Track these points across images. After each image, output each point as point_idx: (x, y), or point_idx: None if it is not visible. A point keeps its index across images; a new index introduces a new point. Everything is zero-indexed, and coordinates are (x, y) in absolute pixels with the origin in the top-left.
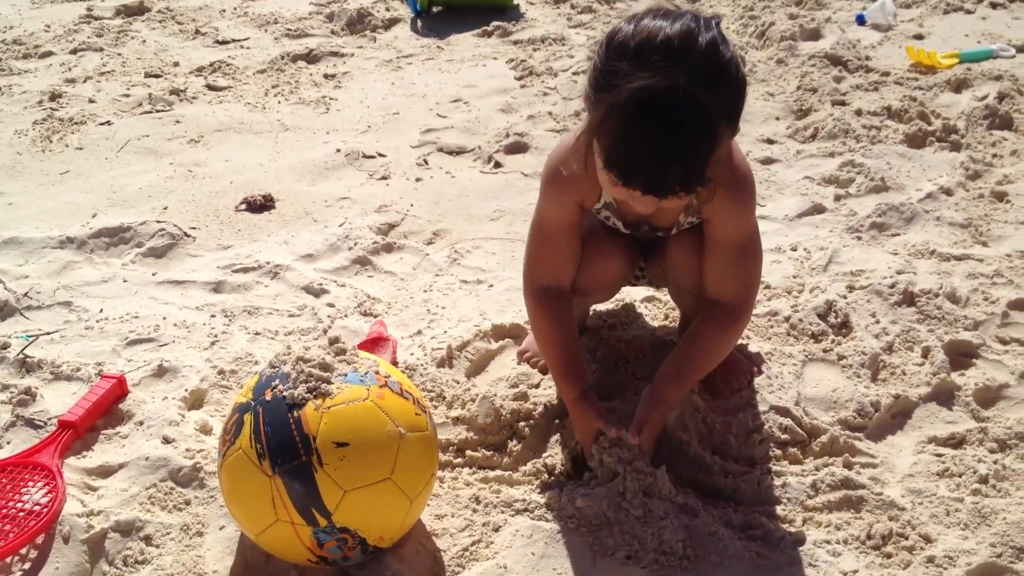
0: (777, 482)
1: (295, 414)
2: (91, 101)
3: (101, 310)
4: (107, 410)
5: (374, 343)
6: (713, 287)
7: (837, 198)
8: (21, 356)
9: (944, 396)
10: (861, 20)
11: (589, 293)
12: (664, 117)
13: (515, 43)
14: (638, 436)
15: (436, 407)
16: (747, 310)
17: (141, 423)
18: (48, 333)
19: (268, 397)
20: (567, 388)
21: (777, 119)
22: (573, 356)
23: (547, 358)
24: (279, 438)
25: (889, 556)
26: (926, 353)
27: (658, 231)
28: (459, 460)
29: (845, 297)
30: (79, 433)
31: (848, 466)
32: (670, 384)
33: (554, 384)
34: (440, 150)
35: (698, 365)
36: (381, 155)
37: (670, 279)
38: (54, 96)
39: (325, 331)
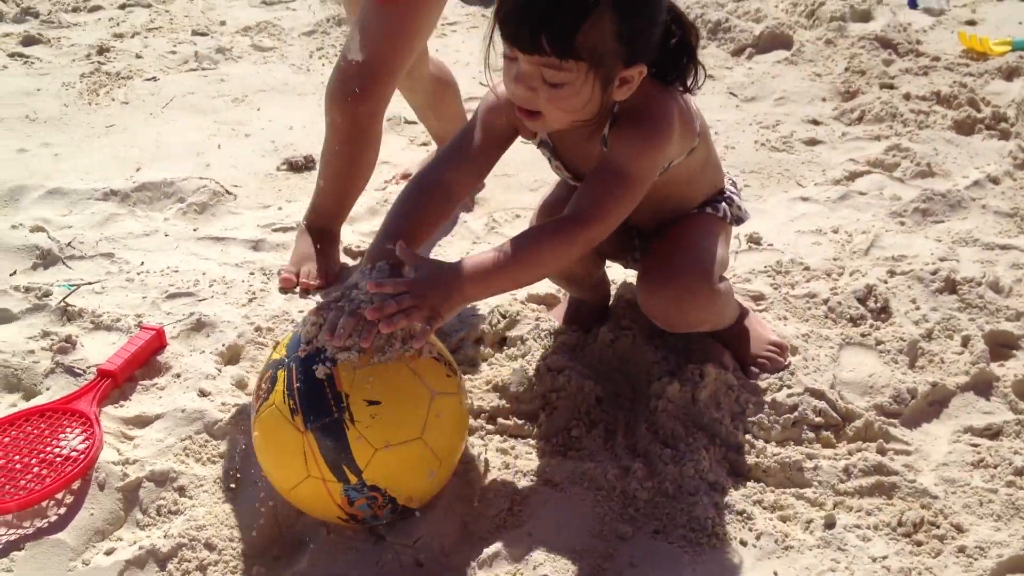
0: (809, 465)
1: (328, 371)
2: (138, 56)
3: (142, 263)
4: (145, 361)
5: None
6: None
7: (882, 182)
8: (63, 304)
9: (982, 386)
10: (913, 4)
11: (571, 267)
12: None
13: None
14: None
15: (468, 373)
16: (583, 222)
17: (178, 375)
18: (90, 283)
19: (302, 354)
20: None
21: (824, 100)
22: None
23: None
24: (312, 394)
25: (920, 544)
26: (966, 342)
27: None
28: (491, 427)
29: (886, 282)
30: (118, 382)
31: (882, 452)
32: (472, 261)
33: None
34: None
35: (506, 255)
36: None
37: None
38: (102, 50)
39: None
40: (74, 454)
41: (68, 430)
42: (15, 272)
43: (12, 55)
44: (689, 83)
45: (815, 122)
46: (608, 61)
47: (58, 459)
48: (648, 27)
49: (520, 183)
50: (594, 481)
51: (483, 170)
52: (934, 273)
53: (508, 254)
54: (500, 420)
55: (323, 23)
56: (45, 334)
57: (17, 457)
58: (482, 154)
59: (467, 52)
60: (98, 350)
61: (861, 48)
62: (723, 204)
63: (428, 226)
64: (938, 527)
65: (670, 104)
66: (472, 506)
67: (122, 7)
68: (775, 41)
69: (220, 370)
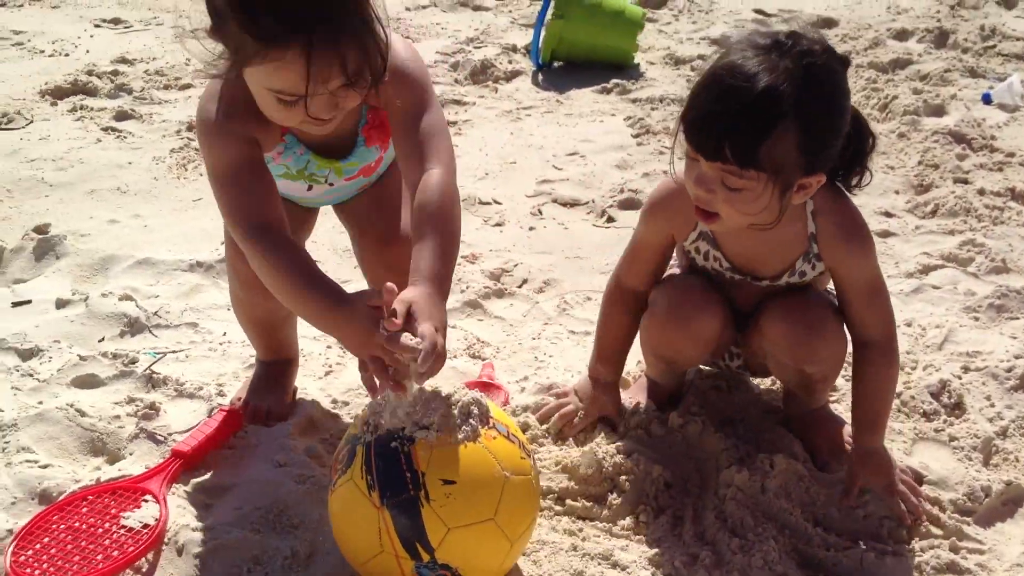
0: (880, 560)
1: (405, 449)
2: None
3: (225, 333)
4: (220, 443)
5: (486, 387)
6: (857, 329)
7: (955, 277)
8: (148, 372)
9: None
10: (987, 99)
11: (679, 353)
12: (736, 81)
13: (633, 101)
14: (852, 497)
15: (538, 452)
16: (894, 339)
17: (256, 445)
18: (174, 352)
19: (380, 431)
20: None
21: (896, 193)
22: None
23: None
24: (389, 471)
25: None
26: None
27: (761, 280)
28: (559, 508)
29: (960, 377)
30: (189, 464)
31: (955, 550)
32: (867, 435)
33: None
34: (555, 201)
35: (881, 409)
36: (497, 202)
37: (767, 353)
38: (191, 127)
39: None
40: (138, 534)
41: (135, 510)
42: (103, 339)
43: (106, 129)
44: (853, 183)
45: (888, 214)
46: (788, 171)
47: (122, 539)
48: (832, 140)
49: (592, 266)
50: (661, 567)
51: (660, 273)
52: (1009, 370)
53: (882, 400)
54: (568, 501)
55: None
56: (130, 400)
57: (84, 535)
58: (654, 265)
59: (541, 136)
60: (180, 418)
61: (935, 142)
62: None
63: (632, 338)
64: None
65: (854, 205)
66: None
67: None
68: None
69: (296, 441)
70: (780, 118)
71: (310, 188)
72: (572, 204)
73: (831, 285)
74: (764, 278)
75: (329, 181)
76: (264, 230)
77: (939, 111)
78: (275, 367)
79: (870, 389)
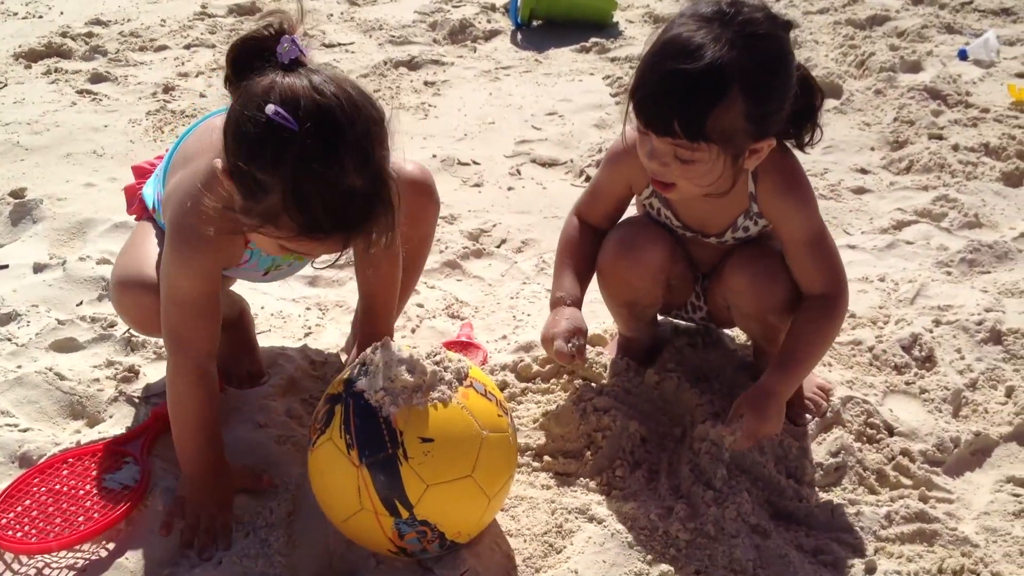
0: (851, 510)
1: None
2: (202, 95)
3: None
4: None
5: (464, 347)
6: (805, 285)
7: (929, 232)
8: (127, 335)
9: None
10: (963, 55)
11: (634, 289)
12: (681, 56)
13: (612, 60)
14: (731, 428)
15: (516, 410)
16: (841, 295)
17: (236, 407)
18: None
19: (359, 390)
20: None
21: (872, 149)
22: None
23: None
24: (367, 430)
25: None
26: (1010, 392)
27: (709, 237)
28: (536, 464)
29: (931, 331)
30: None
31: (924, 499)
32: (773, 375)
33: None
34: (533, 161)
35: (800, 354)
36: (475, 163)
37: (730, 304)
38: (167, 88)
39: (413, 330)
40: (121, 494)
41: (116, 471)
42: (81, 302)
43: (81, 92)
44: (805, 141)
45: (863, 171)
46: (738, 140)
47: (104, 501)
48: (779, 105)
49: None
50: (637, 520)
51: (618, 217)
52: (980, 323)
53: (805, 347)
54: (546, 458)
55: (380, 66)
56: (109, 363)
57: (65, 498)
58: (612, 207)
59: (519, 96)
60: (160, 380)
61: (910, 98)
62: None
63: (591, 263)
64: (978, 575)
65: (796, 162)
66: (517, 541)
67: (187, 47)
68: (824, 90)
69: (276, 402)
70: (725, 90)
71: (267, 273)
72: (551, 164)
73: None
74: (711, 235)
75: (291, 265)
76: (195, 358)
77: (915, 67)
78: (231, 330)
79: (795, 331)
